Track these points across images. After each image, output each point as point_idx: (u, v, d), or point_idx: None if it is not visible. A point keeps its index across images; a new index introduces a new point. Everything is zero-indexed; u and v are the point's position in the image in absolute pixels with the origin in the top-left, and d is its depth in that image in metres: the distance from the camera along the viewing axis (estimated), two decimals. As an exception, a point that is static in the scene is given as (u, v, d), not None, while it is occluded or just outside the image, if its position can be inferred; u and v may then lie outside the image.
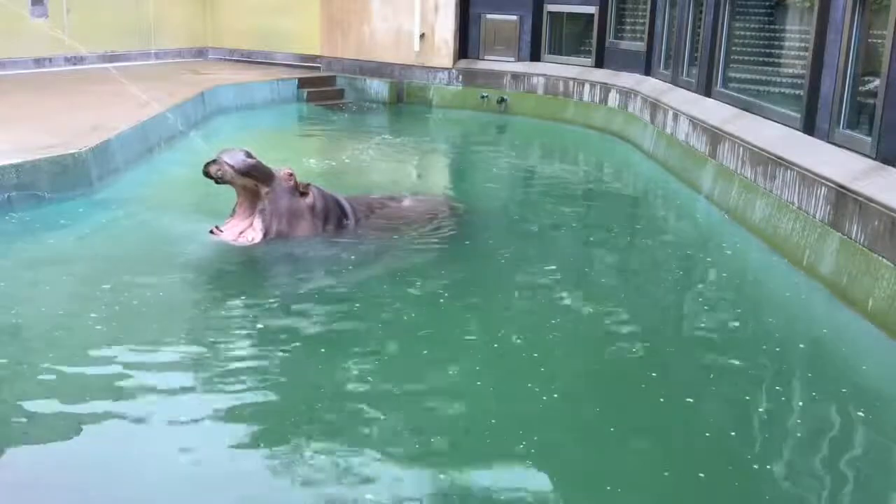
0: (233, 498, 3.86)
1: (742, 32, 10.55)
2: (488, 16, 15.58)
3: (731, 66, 10.51)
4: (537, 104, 14.92)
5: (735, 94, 10.04)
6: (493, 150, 12.98)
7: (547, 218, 9.08)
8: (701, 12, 11.05)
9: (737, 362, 5.42)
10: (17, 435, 4.27)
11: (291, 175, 7.21)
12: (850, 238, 6.28)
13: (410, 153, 12.58)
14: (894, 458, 4.45)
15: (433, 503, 3.81)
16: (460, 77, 15.83)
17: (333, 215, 7.40)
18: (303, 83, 16.11)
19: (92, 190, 8.43)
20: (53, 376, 4.86)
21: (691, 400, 4.89)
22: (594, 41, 14.52)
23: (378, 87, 16.49)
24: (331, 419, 4.51)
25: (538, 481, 4.01)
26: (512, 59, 15.47)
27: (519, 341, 5.58)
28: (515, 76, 15.27)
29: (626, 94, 13.20)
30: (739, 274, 7.30)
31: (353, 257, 6.99)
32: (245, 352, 5.22)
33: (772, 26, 10.21)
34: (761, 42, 10.35)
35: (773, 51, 10.01)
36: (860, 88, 7.31)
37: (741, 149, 8.58)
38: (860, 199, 6.22)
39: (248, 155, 6.97)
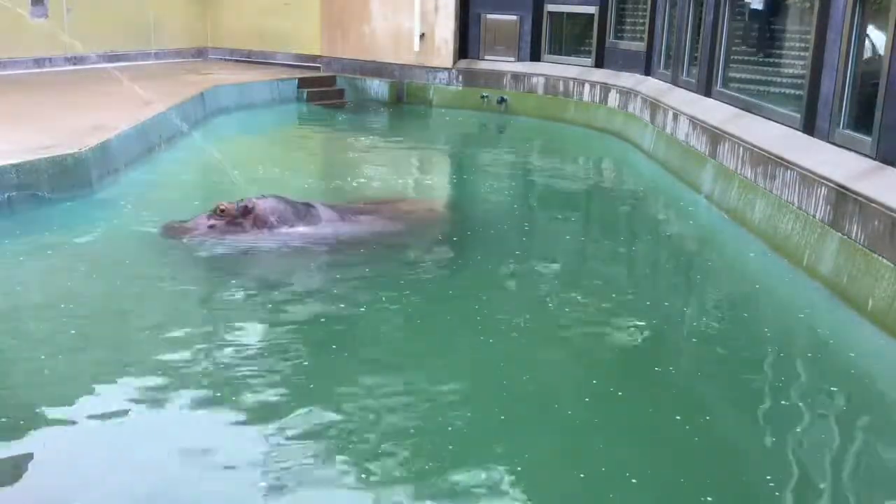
0: (232, 497, 3.87)
1: (742, 32, 10.55)
2: (488, 16, 15.58)
3: (731, 66, 10.51)
4: (537, 104, 14.91)
5: (735, 94, 10.04)
6: (493, 151, 12.98)
7: (546, 218, 9.08)
8: (701, 12, 11.05)
9: (736, 362, 5.43)
10: (13, 433, 4.27)
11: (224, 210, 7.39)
12: (850, 238, 6.28)
13: (410, 153, 12.58)
14: (894, 458, 4.44)
15: None
16: (460, 77, 15.83)
17: (285, 218, 7.51)
18: (303, 83, 16.10)
19: (92, 190, 8.43)
20: (52, 376, 4.86)
21: (691, 400, 4.89)
22: (594, 41, 14.52)
23: (378, 87, 16.48)
24: (321, 419, 4.52)
25: (538, 490, 4.01)
26: (512, 59, 15.47)
27: (520, 342, 5.59)
28: (515, 76, 15.27)
29: (626, 94, 13.20)
30: (739, 274, 7.30)
31: (327, 259, 7.01)
32: (246, 351, 5.22)
33: (772, 26, 10.21)
34: (761, 42, 10.35)
35: (773, 51, 10.01)
36: (860, 88, 7.31)
37: (741, 149, 8.58)
38: (860, 199, 6.22)
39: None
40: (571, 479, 4.07)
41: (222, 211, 7.34)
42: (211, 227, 7.30)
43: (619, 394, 4.91)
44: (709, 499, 3.91)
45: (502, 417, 4.55)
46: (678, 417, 4.61)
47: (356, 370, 5.06)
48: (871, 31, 7.23)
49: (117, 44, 16.78)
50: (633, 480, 4.02)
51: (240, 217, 7.35)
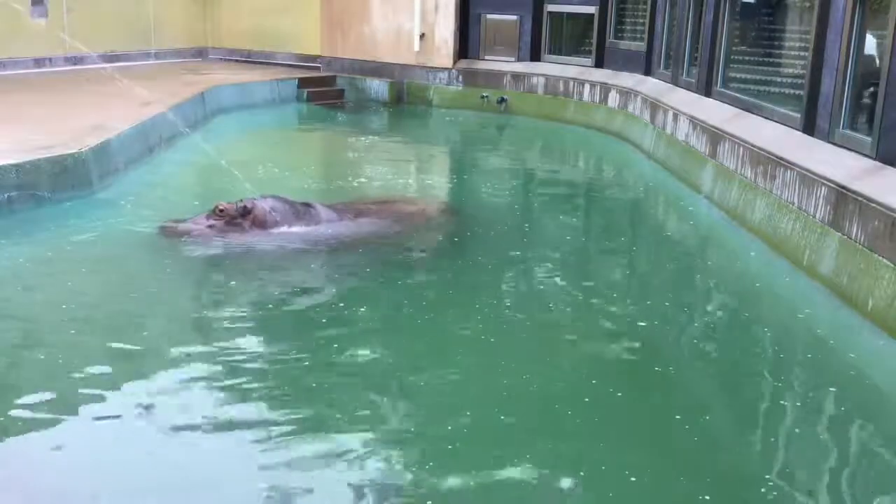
0: (227, 493, 3.88)
1: (742, 32, 10.55)
2: (488, 16, 15.58)
3: (732, 66, 10.51)
4: (537, 104, 14.91)
5: (735, 95, 10.04)
6: (493, 151, 12.99)
7: (546, 218, 9.08)
8: (701, 12, 11.05)
9: (736, 362, 5.43)
10: (11, 433, 4.28)
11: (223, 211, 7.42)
12: (850, 238, 6.28)
13: (410, 153, 12.58)
14: (894, 458, 4.44)
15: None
16: (460, 77, 15.83)
17: (284, 219, 7.53)
18: (303, 83, 16.11)
19: (92, 190, 8.43)
20: (51, 376, 4.86)
21: (691, 400, 4.89)
22: (594, 41, 14.52)
23: (378, 87, 16.49)
24: (319, 419, 4.52)
25: (538, 489, 4.01)
26: (512, 59, 15.47)
27: (520, 342, 5.59)
28: (515, 76, 15.27)
29: (626, 94, 13.20)
30: (739, 274, 7.29)
31: (327, 256, 7.02)
32: (244, 351, 5.22)
33: (772, 26, 10.21)
34: (761, 42, 10.35)
35: (773, 51, 10.01)
36: (860, 88, 7.31)
37: (741, 149, 8.58)
38: (860, 199, 6.22)
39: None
40: (571, 479, 4.06)
41: (221, 211, 7.34)
42: (210, 227, 7.30)
43: (619, 394, 4.90)
44: (707, 498, 3.91)
45: (502, 417, 4.55)
46: (678, 417, 4.61)
47: (355, 370, 5.07)
48: (871, 31, 7.24)
49: (117, 44, 16.79)
50: (633, 480, 4.02)
51: (239, 217, 7.35)
